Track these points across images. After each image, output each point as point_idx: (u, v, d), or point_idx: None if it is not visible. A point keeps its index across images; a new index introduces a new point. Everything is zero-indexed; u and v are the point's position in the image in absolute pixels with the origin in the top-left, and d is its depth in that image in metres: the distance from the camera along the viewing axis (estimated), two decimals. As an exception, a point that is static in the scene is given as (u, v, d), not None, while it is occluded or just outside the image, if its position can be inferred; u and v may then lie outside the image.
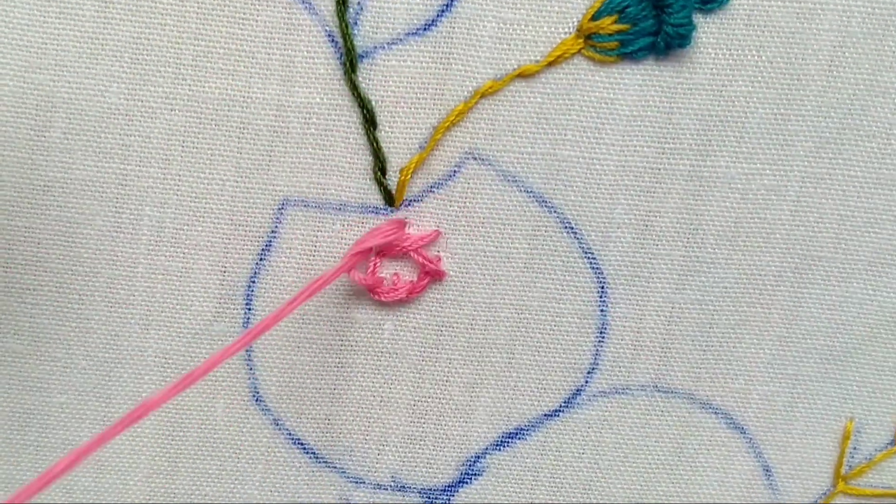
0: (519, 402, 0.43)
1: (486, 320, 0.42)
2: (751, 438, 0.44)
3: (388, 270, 0.42)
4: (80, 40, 0.39)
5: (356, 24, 0.39)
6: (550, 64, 0.39)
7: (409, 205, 0.41)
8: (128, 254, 0.41)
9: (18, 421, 0.43)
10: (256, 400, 0.43)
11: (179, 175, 0.40)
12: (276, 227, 0.41)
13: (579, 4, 0.39)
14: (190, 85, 0.39)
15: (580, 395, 0.43)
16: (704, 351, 0.42)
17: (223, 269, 0.41)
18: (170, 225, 0.41)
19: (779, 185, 0.41)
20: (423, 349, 0.42)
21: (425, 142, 0.40)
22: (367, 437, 0.43)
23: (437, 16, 0.39)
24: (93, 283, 0.41)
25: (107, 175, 0.40)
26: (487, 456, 0.44)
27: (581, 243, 0.41)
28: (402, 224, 0.41)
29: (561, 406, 0.43)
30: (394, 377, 0.43)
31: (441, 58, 0.39)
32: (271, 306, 0.42)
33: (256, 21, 0.39)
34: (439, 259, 0.41)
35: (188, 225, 0.41)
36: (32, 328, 0.42)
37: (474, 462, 0.44)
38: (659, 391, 0.43)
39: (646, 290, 0.42)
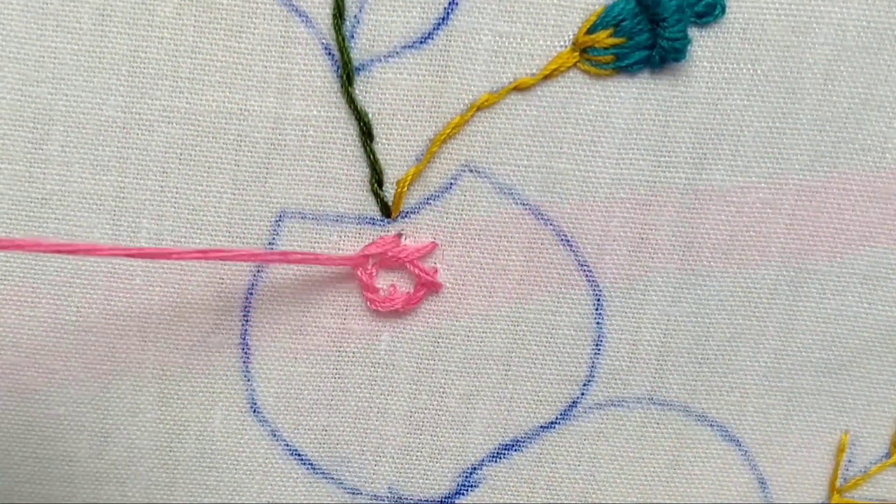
0: (515, 414, 0.43)
1: (483, 332, 0.42)
2: (746, 451, 0.44)
3: (385, 281, 0.42)
4: (77, 53, 0.39)
5: (353, 36, 0.39)
6: (546, 77, 0.39)
7: (406, 216, 0.41)
8: (125, 266, 0.41)
9: (17, 433, 0.43)
10: (254, 411, 0.43)
11: (177, 187, 0.40)
12: (274, 238, 0.41)
13: (575, 18, 0.39)
14: (187, 98, 0.40)
15: (576, 407, 0.43)
16: (700, 363, 0.42)
17: (220, 280, 0.41)
18: (167, 237, 0.41)
19: (774, 199, 0.41)
20: (419, 361, 0.42)
21: (422, 154, 0.40)
22: (364, 448, 0.43)
23: (434, 29, 0.39)
24: (90, 296, 0.41)
25: (104, 188, 0.40)
26: (484, 467, 0.44)
27: (577, 256, 0.41)
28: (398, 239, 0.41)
29: (557, 418, 0.43)
30: (390, 388, 0.43)
31: (437, 71, 0.39)
32: (269, 318, 0.42)
33: (253, 34, 0.39)
34: (436, 271, 0.41)
35: (186, 237, 0.41)
36: (30, 340, 0.42)
37: (471, 474, 0.44)
38: (655, 403, 0.43)
39: (642, 303, 0.42)
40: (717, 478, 0.44)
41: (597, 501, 0.44)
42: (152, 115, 0.40)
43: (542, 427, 0.43)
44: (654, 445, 0.43)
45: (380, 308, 0.41)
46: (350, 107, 0.40)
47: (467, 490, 0.44)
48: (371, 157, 0.40)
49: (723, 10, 0.39)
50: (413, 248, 0.41)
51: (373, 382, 0.43)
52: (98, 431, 0.43)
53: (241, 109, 0.40)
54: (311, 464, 0.44)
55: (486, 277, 0.41)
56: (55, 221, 0.40)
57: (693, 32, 0.39)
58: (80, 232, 0.40)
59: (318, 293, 0.42)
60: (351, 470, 0.44)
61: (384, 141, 0.40)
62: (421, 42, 0.39)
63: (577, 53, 0.39)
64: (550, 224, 0.41)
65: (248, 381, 0.43)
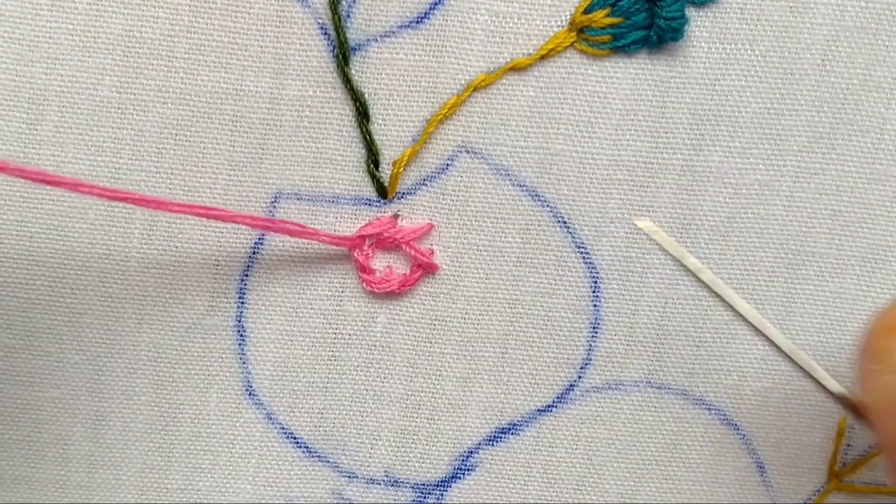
0: (512, 397, 0.43)
1: (479, 314, 0.42)
2: (744, 435, 0.43)
3: (381, 263, 0.41)
4: (72, 33, 0.39)
5: (349, 16, 0.39)
6: (543, 57, 0.39)
7: (402, 197, 0.41)
8: (120, 247, 0.41)
9: (11, 416, 0.43)
10: (249, 394, 0.43)
11: (172, 168, 0.40)
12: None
13: (572, -2, 0.39)
14: (182, 78, 0.39)
15: (573, 390, 0.43)
16: (698, 347, 0.42)
17: (216, 262, 0.41)
18: (162, 219, 0.41)
19: (772, 180, 0.41)
20: (415, 343, 0.42)
21: (418, 135, 0.40)
22: (360, 432, 0.43)
23: (430, 9, 0.39)
24: (85, 277, 0.41)
25: (99, 168, 0.40)
26: (480, 451, 0.43)
27: (574, 237, 0.41)
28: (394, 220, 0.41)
29: (554, 401, 0.43)
30: (387, 371, 0.43)
31: (434, 51, 0.39)
32: (265, 301, 0.42)
33: (249, 14, 0.39)
34: (432, 252, 0.41)
35: (181, 219, 0.41)
36: (25, 323, 0.42)
37: (467, 457, 0.43)
38: (652, 387, 0.43)
39: (639, 285, 0.42)
40: (715, 462, 0.44)
41: (594, 485, 0.44)
42: (147, 95, 0.40)
43: (538, 410, 0.43)
44: (651, 429, 0.43)
45: (376, 290, 0.41)
46: (346, 87, 0.39)
47: (464, 473, 0.44)
48: (367, 137, 0.40)
49: (721, -10, 0.39)
50: (409, 229, 0.41)
51: (369, 365, 0.43)
52: (92, 414, 0.43)
53: (236, 90, 0.40)
54: (307, 447, 0.43)
55: (482, 259, 0.41)
56: (49, 202, 0.40)
57: (691, 12, 0.39)
58: (75, 213, 0.40)
59: (314, 275, 0.42)
60: (347, 453, 0.43)
61: (380, 121, 0.40)
62: (417, 22, 0.39)
63: (574, 33, 0.39)
64: (547, 205, 0.41)
65: (244, 364, 0.42)
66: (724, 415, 0.43)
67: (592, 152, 0.40)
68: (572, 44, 0.39)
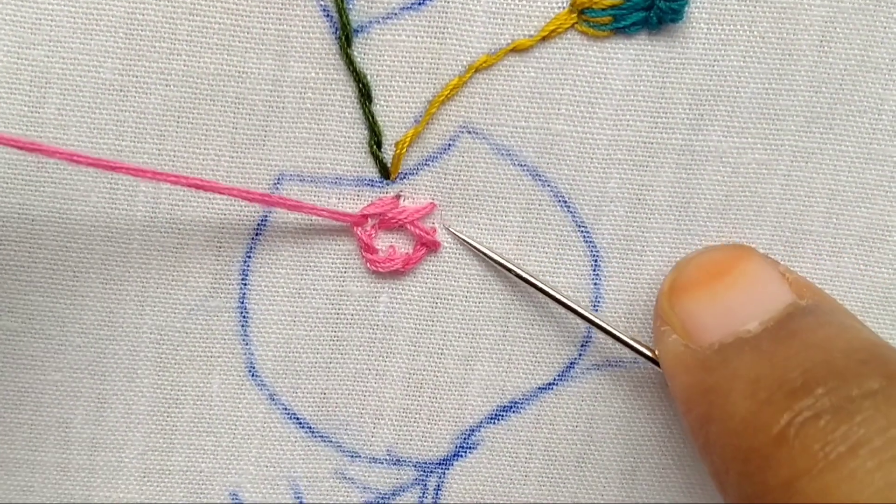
0: (513, 375, 0.43)
1: (481, 293, 0.42)
2: (743, 411, 0.44)
3: (384, 243, 0.42)
4: (74, 16, 0.39)
5: (351, -2, 0.39)
6: (544, 38, 0.39)
7: (405, 178, 0.41)
8: (123, 230, 0.41)
9: (12, 399, 0.43)
10: (252, 374, 0.43)
11: (174, 151, 0.40)
12: (272, 202, 0.41)
13: (573, -21, 0.39)
14: (185, 60, 0.39)
15: (574, 367, 0.43)
16: (696, 324, 0.43)
17: (218, 244, 0.41)
18: (165, 201, 0.41)
19: (770, 160, 0.41)
20: (418, 322, 0.43)
21: (420, 116, 0.40)
22: (363, 411, 0.44)
23: (432, -10, 0.39)
24: (87, 260, 0.41)
25: (101, 151, 0.40)
26: (482, 429, 0.44)
27: (574, 217, 0.41)
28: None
29: (555, 379, 0.43)
30: (389, 350, 0.43)
31: (436, 32, 0.39)
32: (267, 282, 0.42)
33: (252, -5, 0.39)
34: (434, 230, 0.41)
35: (183, 200, 0.41)
36: (27, 305, 0.42)
37: (469, 435, 0.44)
38: (651, 363, 0.43)
39: (639, 264, 0.42)
40: (714, 438, 0.44)
41: (595, 461, 0.44)
42: (150, 77, 0.40)
43: (540, 388, 0.43)
44: (651, 406, 0.44)
45: (379, 269, 0.41)
46: (349, 68, 0.40)
47: (465, 451, 0.44)
48: (370, 118, 0.40)
49: (720, -29, 0.39)
50: (412, 208, 0.41)
51: (371, 344, 0.43)
52: (94, 397, 0.43)
53: (239, 71, 0.40)
54: (310, 427, 0.44)
55: (484, 238, 0.41)
56: (52, 185, 0.40)
57: (690, -7, 0.39)
58: (77, 195, 0.40)
59: (317, 256, 0.42)
60: (349, 433, 0.44)
61: (383, 102, 0.40)
62: (419, 3, 0.39)
63: (574, 14, 0.39)
64: (548, 185, 0.41)
65: (247, 344, 0.43)
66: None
67: (593, 132, 0.40)
68: (573, 25, 0.39)
